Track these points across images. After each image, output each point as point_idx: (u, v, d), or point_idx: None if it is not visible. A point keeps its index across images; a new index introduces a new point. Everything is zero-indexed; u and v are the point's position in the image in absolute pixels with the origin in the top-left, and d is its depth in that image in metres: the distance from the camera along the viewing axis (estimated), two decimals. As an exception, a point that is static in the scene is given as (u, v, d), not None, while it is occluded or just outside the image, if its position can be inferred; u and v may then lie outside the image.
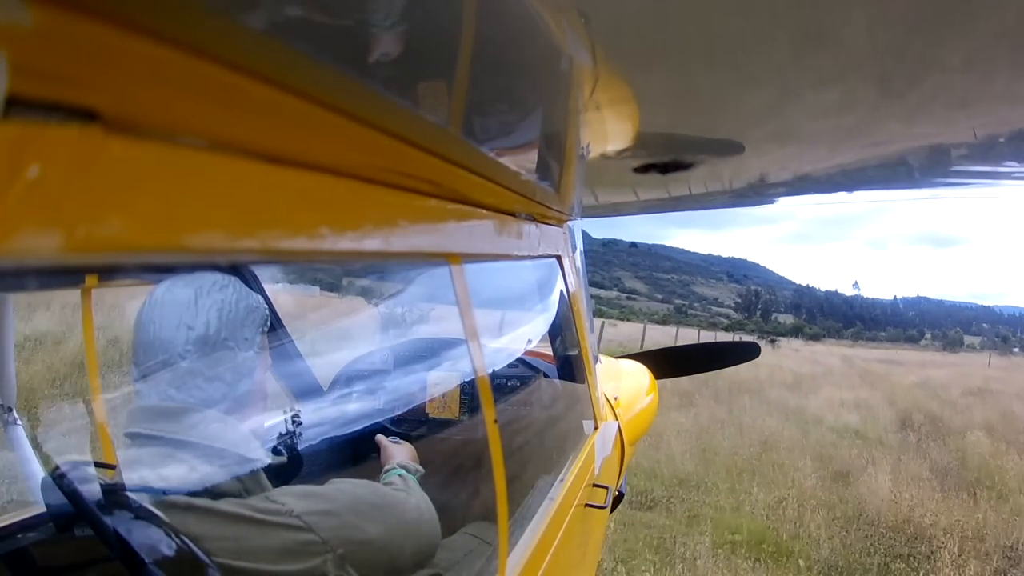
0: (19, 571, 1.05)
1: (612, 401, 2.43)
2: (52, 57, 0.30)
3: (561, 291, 1.79)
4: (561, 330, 1.98)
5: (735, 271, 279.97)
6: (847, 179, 1.38)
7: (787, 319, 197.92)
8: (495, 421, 1.08)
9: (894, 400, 11.86)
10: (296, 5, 0.42)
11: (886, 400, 11.78)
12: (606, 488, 1.81)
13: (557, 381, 2.10)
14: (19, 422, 1.32)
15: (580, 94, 0.78)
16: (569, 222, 1.78)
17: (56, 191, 0.31)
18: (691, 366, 3.58)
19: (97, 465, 0.91)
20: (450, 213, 0.86)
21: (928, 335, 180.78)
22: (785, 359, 21.77)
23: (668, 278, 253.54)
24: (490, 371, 1.73)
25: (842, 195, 1.71)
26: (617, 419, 2.34)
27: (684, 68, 0.68)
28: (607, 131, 0.98)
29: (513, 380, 2.11)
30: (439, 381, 2.06)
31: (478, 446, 1.52)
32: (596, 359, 2.32)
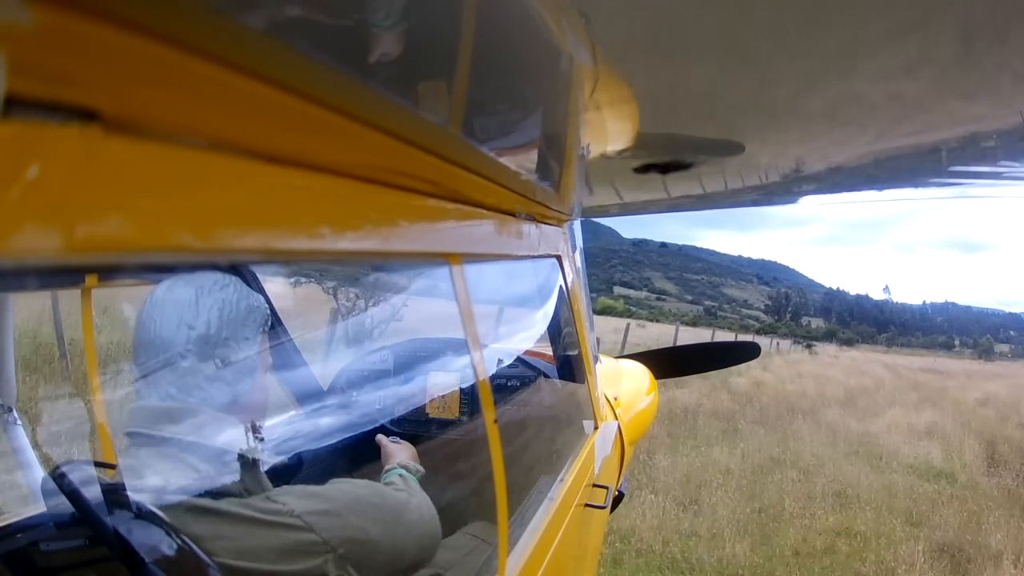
0: (19, 571, 1.05)
1: (612, 401, 2.43)
2: (52, 57, 0.30)
3: (561, 291, 1.79)
4: (561, 330, 1.98)
5: (765, 273, 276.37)
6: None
7: (817, 322, 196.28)
8: (495, 421, 1.08)
9: (967, 423, 10.46)
10: (296, 5, 0.42)
11: (959, 424, 10.24)
12: (606, 488, 1.81)
13: (557, 381, 2.10)
14: (19, 422, 1.33)
15: (580, 94, 0.78)
16: (569, 222, 1.78)
17: (56, 191, 0.31)
18: (691, 366, 3.58)
19: (97, 465, 0.91)
20: (450, 213, 0.86)
21: (957, 341, 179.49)
22: (827, 368, 20.37)
23: (698, 279, 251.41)
24: (490, 371, 1.74)
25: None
26: (617, 419, 2.34)
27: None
28: (607, 131, 0.98)
29: (513, 380, 2.11)
30: (439, 381, 2.06)
31: (478, 446, 1.52)
32: (596, 359, 2.32)
